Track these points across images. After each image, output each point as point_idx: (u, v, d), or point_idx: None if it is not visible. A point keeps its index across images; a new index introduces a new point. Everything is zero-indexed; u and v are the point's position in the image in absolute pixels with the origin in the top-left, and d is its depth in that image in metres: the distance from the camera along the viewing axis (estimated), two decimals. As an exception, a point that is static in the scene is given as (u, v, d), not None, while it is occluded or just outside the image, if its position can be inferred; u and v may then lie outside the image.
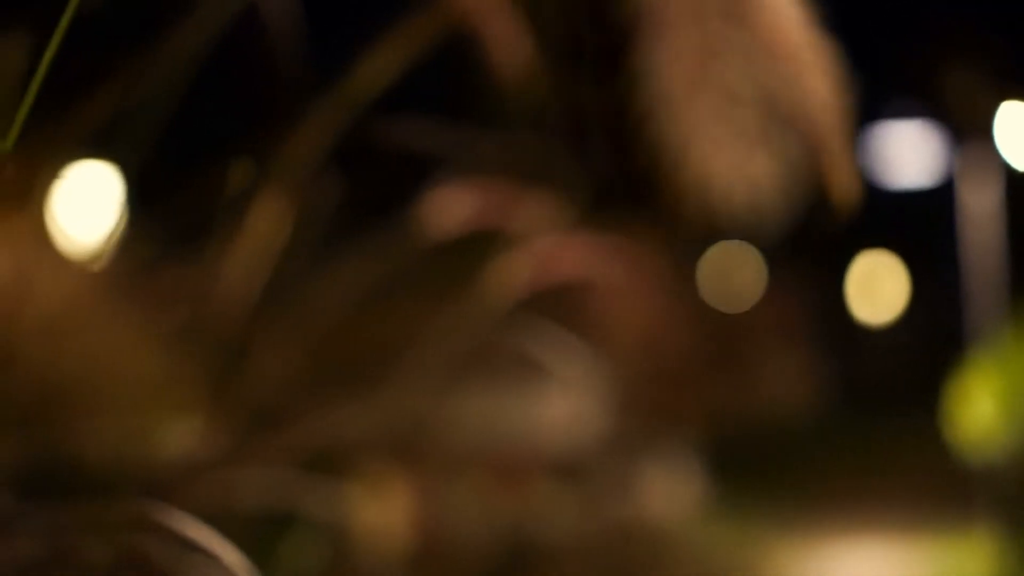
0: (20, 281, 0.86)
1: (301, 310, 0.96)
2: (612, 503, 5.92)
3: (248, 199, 0.91)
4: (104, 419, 0.95)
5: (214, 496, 0.85)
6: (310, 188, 0.83)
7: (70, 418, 0.93)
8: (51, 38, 0.62)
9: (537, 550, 5.18)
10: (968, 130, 6.64)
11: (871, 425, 10.67)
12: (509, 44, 0.90)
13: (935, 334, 13.79)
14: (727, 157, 0.56)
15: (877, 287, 15.98)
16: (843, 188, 0.61)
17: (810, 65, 0.54)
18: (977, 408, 6.15)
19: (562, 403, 6.55)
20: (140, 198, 0.92)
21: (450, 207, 1.06)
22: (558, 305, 1.16)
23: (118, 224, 1.05)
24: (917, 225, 15.08)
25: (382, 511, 1.24)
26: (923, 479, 7.56)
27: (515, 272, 1.06)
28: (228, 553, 0.63)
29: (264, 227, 0.93)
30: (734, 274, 11.03)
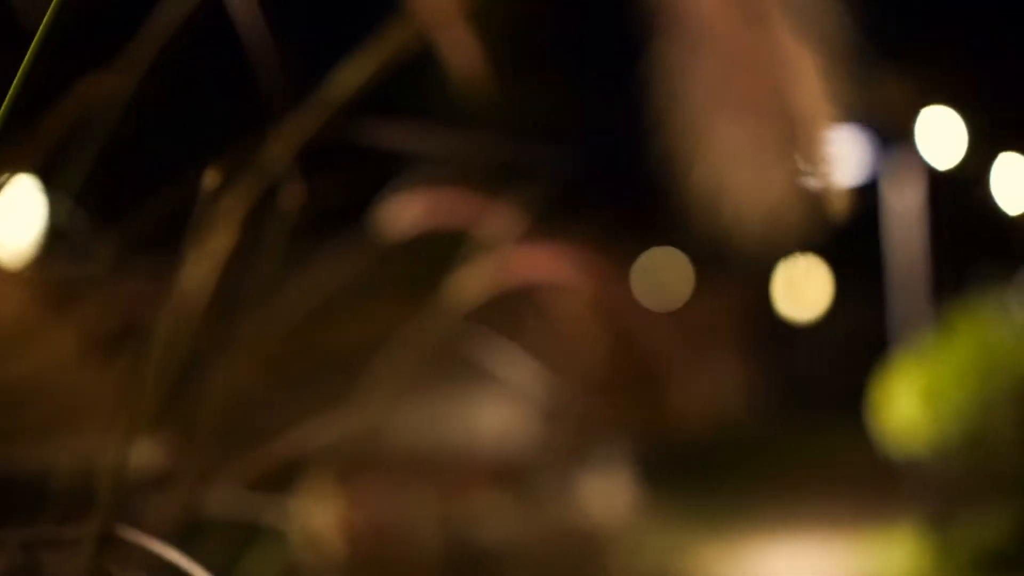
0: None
1: (259, 319, 0.95)
2: (551, 508, 5.94)
3: (211, 208, 0.90)
4: (57, 436, 0.93)
5: (174, 513, 0.84)
6: (272, 197, 0.82)
7: (22, 435, 0.91)
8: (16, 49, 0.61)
9: (479, 555, 5.18)
10: (891, 135, 6.80)
11: (800, 424, 10.84)
12: (467, 51, 0.91)
13: (861, 333, 14.06)
14: (748, 170, 0.57)
15: (802, 288, 16.29)
16: (834, 197, 0.63)
17: (806, 75, 0.56)
18: (901, 406, 6.29)
19: (501, 409, 6.56)
20: (100, 210, 0.90)
21: (408, 214, 1.05)
22: (498, 311, 1.16)
23: (45, 236, 1.03)
24: (844, 226, 15.30)
25: (328, 519, 1.23)
26: (851, 476, 7.70)
27: (472, 280, 1.06)
28: (195, 570, 0.63)
29: (225, 236, 0.92)
30: (664, 278, 11.14)
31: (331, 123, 0.83)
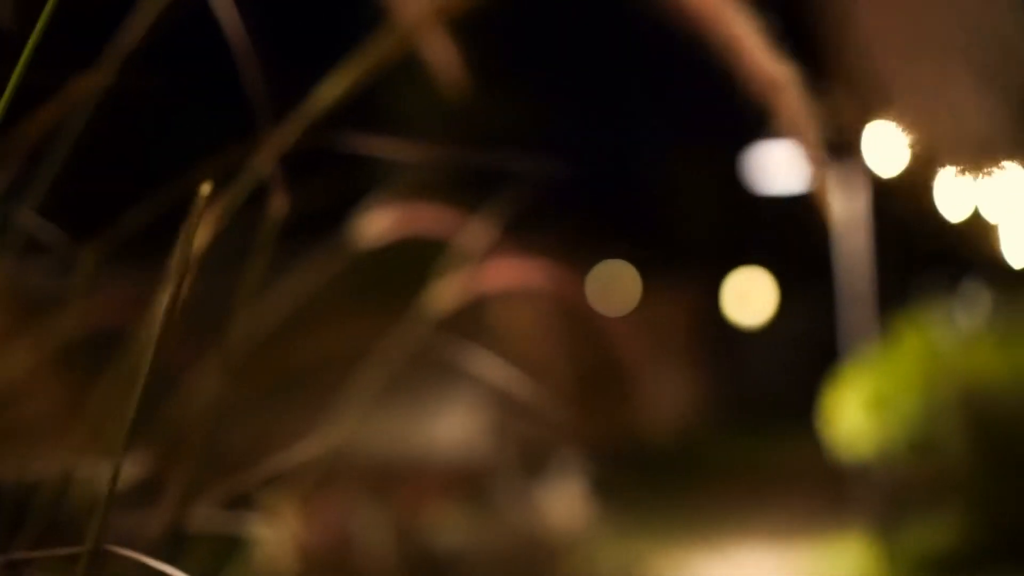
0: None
1: (237, 330, 0.95)
2: (508, 517, 5.94)
3: (193, 218, 0.90)
4: (33, 452, 0.93)
5: (155, 529, 0.84)
6: (252, 206, 0.82)
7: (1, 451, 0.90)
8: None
9: (436, 564, 5.18)
10: (837, 147, 6.89)
11: (748, 430, 10.94)
12: (449, 59, 0.92)
13: (808, 340, 14.23)
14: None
15: (750, 296, 16.50)
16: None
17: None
18: (849, 414, 6.37)
19: (458, 419, 6.56)
20: (76, 221, 0.90)
21: (380, 224, 1.06)
22: (460, 320, 1.17)
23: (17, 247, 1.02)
24: (792, 237, 15.60)
25: (290, 533, 1.23)
26: (800, 483, 7.78)
27: (445, 290, 1.07)
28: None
29: (201, 245, 0.92)
30: (614, 288, 11.22)
31: (313, 132, 0.84)
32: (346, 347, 1.20)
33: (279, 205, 0.87)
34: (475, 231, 1.09)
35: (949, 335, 6.29)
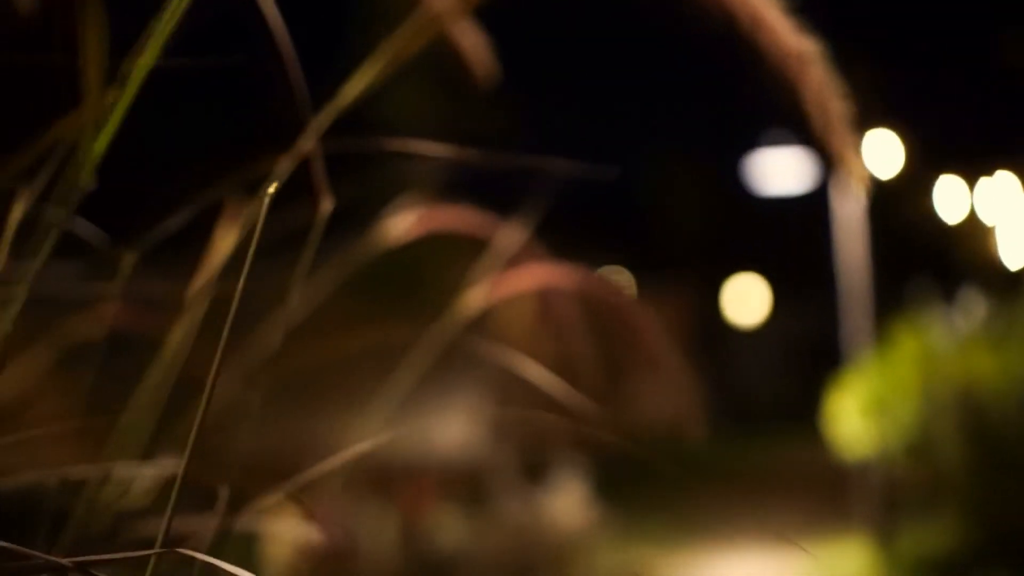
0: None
1: (260, 331, 0.98)
2: (508, 520, 5.96)
3: (216, 219, 0.93)
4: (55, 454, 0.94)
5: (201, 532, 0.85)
6: (281, 206, 0.84)
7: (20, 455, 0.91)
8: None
9: (436, 567, 5.19)
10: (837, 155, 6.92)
11: (747, 435, 10.94)
12: (478, 53, 0.94)
13: (806, 345, 14.25)
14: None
15: (746, 300, 16.55)
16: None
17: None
18: (846, 417, 6.40)
19: (463, 420, 6.56)
20: (109, 224, 0.92)
21: (408, 223, 1.08)
22: (478, 321, 1.19)
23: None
24: (787, 241, 15.64)
25: (297, 530, 1.24)
26: (798, 485, 7.79)
27: (476, 291, 1.09)
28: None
29: (227, 248, 0.95)
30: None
31: (340, 131, 0.84)
32: (366, 350, 1.21)
33: (323, 204, 0.87)
34: (503, 233, 1.10)
35: (945, 339, 6.32)
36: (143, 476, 0.84)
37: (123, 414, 0.94)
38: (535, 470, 6.54)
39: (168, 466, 0.93)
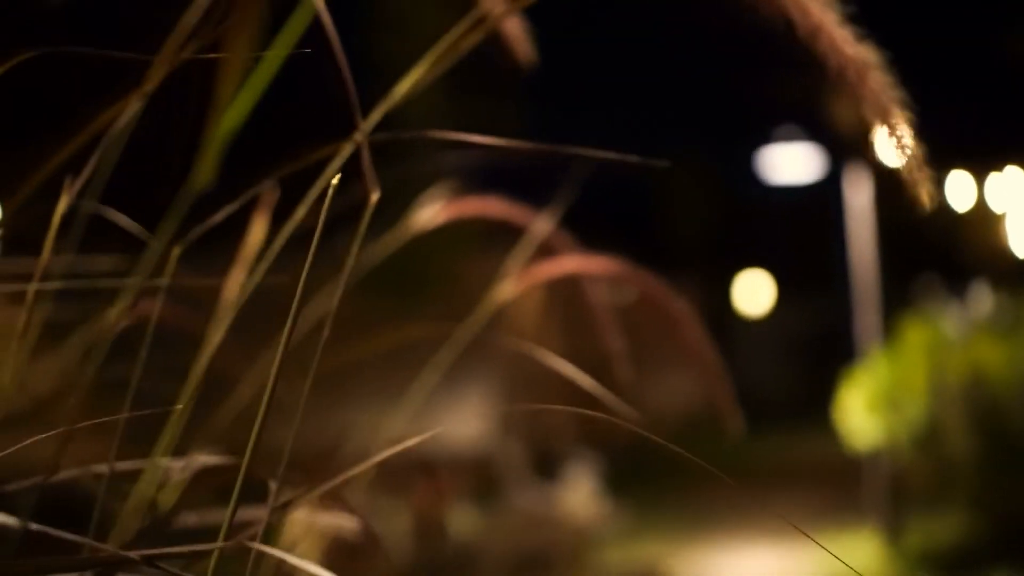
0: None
1: (293, 326, 0.98)
2: (521, 512, 5.97)
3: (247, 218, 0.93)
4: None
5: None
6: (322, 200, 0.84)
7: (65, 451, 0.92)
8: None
9: (448, 562, 5.20)
10: (850, 151, 6.95)
11: (754, 430, 10.91)
12: (519, 39, 0.95)
13: (813, 340, 14.25)
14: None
15: (753, 295, 16.59)
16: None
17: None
18: (855, 410, 6.41)
19: (477, 413, 6.57)
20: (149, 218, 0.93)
21: (441, 213, 1.08)
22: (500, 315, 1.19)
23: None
24: (794, 237, 15.67)
25: (313, 522, 1.25)
26: (808, 479, 7.80)
27: (510, 282, 1.09)
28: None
29: (256, 245, 0.95)
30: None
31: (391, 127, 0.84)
32: (393, 345, 1.21)
33: (369, 195, 0.87)
34: (531, 224, 1.10)
35: (953, 331, 6.32)
36: (180, 470, 0.84)
37: (163, 408, 0.95)
38: (547, 464, 6.54)
39: (210, 460, 0.93)
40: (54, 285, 0.90)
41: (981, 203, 7.59)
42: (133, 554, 0.58)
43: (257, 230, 1.07)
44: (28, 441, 0.71)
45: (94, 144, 0.88)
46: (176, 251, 0.84)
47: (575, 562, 5.96)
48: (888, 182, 6.96)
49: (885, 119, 0.61)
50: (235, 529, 0.67)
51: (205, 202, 1.02)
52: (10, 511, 0.81)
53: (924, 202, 0.62)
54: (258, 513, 0.77)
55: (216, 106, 0.87)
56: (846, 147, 6.94)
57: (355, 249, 0.68)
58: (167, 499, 0.93)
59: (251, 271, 1.06)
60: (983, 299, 6.75)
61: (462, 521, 5.67)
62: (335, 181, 0.63)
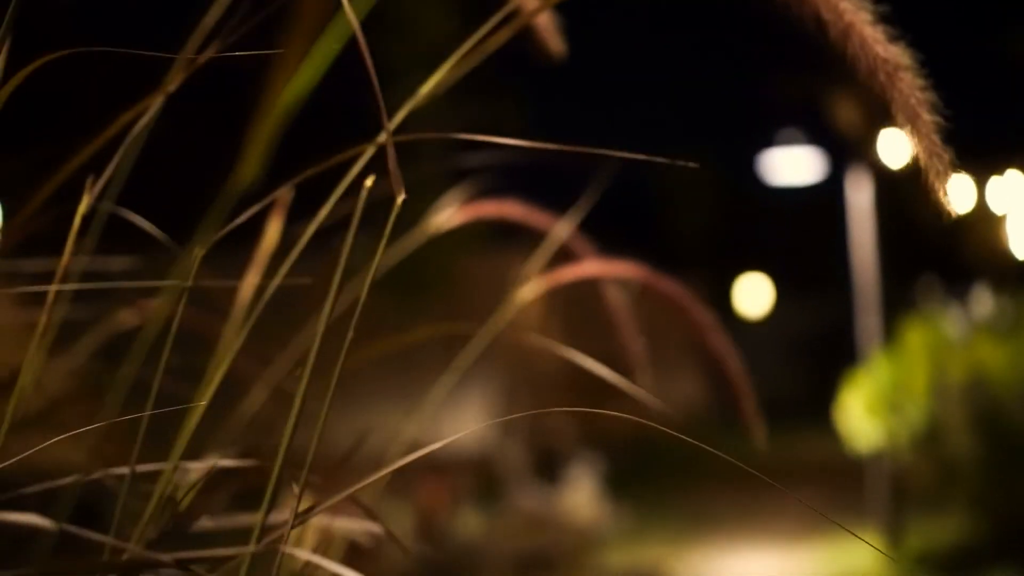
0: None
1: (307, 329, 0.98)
2: (522, 512, 5.98)
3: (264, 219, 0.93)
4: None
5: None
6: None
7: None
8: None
9: (450, 563, 5.21)
10: (851, 154, 6.96)
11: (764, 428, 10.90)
12: (550, 31, 0.95)
13: (814, 340, 14.26)
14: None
15: (754, 296, 16.59)
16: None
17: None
18: (856, 411, 6.41)
19: (479, 412, 6.57)
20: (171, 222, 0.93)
21: (459, 216, 1.08)
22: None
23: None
24: (804, 237, 15.68)
25: (330, 525, 1.25)
26: (808, 479, 7.80)
27: (531, 284, 1.09)
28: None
29: (271, 247, 0.95)
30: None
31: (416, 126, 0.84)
32: (399, 346, 1.21)
33: (394, 196, 0.86)
34: (560, 226, 1.10)
35: (954, 333, 6.32)
36: (195, 472, 0.84)
37: (180, 410, 0.94)
38: (549, 465, 6.55)
39: (229, 462, 0.93)
40: (74, 286, 0.90)
41: (982, 205, 7.59)
42: (166, 557, 0.58)
43: (272, 232, 1.07)
44: (48, 442, 0.71)
45: (115, 144, 0.88)
46: (199, 252, 0.84)
47: (576, 563, 5.96)
48: (889, 184, 6.97)
49: (914, 122, 0.61)
50: (261, 533, 0.67)
51: (216, 204, 1.02)
52: (25, 511, 0.81)
53: (947, 208, 0.61)
54: (280, 517, 0.77)
55: (263, 104, 0.87)
56: (848, 149, 6.95)
57: (380, 250, 0.68)
58: (185, 501, 0.93)
59: (266, 273, 1.06)
60: (984, 300, 6.76)
61: (464, 521, 5.67)
62: (369, 183, 0.63)
